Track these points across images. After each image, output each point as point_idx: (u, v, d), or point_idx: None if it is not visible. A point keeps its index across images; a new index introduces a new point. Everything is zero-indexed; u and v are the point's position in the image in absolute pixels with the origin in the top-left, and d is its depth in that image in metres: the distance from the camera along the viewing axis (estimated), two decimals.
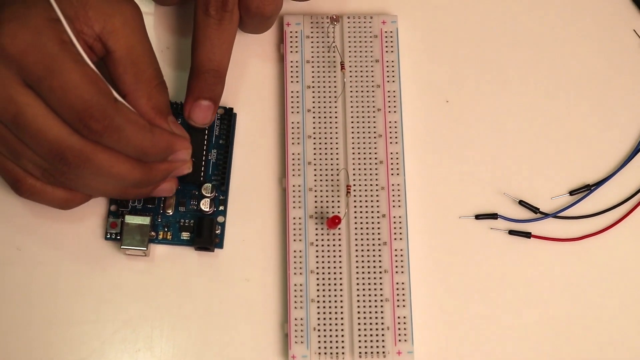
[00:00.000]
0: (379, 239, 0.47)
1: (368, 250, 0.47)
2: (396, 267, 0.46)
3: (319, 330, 0.45)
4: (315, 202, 0.47)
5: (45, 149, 0.40)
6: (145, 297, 0.46)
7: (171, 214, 0.47)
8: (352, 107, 0.49)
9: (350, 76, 0.49)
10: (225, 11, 0.46)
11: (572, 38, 0.52)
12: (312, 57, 0.50)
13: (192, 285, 0.47)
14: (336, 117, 0.49)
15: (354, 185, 0.48)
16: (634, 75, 0.51)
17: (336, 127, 0.49)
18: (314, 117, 0.49)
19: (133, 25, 0.43)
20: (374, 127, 0.49)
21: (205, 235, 0.46)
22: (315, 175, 0.48)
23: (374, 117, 0.49)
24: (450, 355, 0.47)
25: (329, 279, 0.46)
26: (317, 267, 0.46)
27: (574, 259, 0.48)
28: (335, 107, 0.49)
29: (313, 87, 0.49)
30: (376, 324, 0.45)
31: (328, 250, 0.47)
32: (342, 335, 0.45)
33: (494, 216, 0.48)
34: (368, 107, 0.49)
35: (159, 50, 0.49)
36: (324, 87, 0.49)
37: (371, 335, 0.45)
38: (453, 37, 0.52)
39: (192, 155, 0.46)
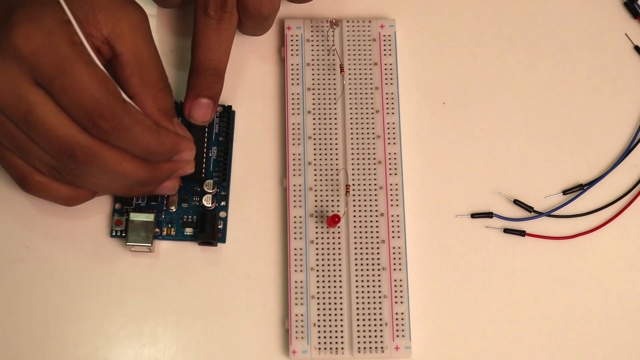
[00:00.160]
0: (377, 237, 0.47)
1: (367, 248, 0.47)
2: (394, 264, 0.46)
3: (318, 325, 0.45)
4: (316, 201, 0.47)
5: (54, 147, 0.40)
6: (150, 293, 0.46)
7: (174, 210, 0.47)
8: (351, 108, 0.49)
9: (350, 79, 0.49)
10: (225, 12, 0.46)
11: (565, 42, 0.52)
12: (313, 60, 0.50)
13: (196, 281, 0.47)
14: (336, 119, 0.49)
15: (353, 184, 0.48)
16: (625, 78, 0.52)
17: (336, 128, 0.49)
18: (314, 119, 0.49)
19: (140, 30, 0.43)
20: (373, 128, 0.49)
21: (208, 230, 0.46)
22: (315, 175, 0.48)
23: (372, 118, 0.49)
24: (447, 350, 0.46)
25: (329, 276, 0.46)
26: (317, 265, 0.46)
27: (567, 257, 0.48)
28: (335, 108, 0.49)
29: (313, 89, 0.49)
30: (374, 319, 0.45)
31: (328, 248, 0.47)
32: (342, 331, 0.45)
33: (489, 215, 0.48)
34: (367, 108, 0.49)
35: (163, 54, 0.49)
36: (324, 89, 0.49)
37: (370, 330, 0.45)
38: (450, 41, 0.52)
39: None
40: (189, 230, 0.47)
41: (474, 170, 0.49)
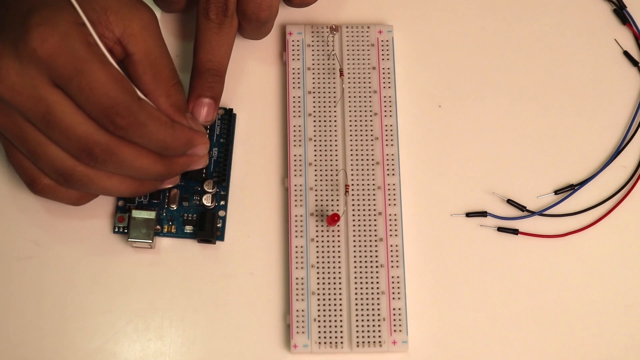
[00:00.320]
0: (375, 236, 0.47)
1: (365, 246, 0.47)
2: (392, 261, 0.46)
3: (319, 321, 0.45)
4: (316, 200, 0.47)
5: (73, 144, 0.41)
6: (153, 288, 0.46)
7: (175, 208, 0.47)
8: (350, 111, 0.49)
9: (349, 82, 0.50)
10: (225, 16, 0.46)
11: (557, 47, 0.52)
12: (313, 64, 0.50)
13: (198, 277, 0.47)
14: (335, 121, 0.49)
15: (352, 184, 0.48)
16: (615, 82, 0.52)
17: (335, 130, 0.49)
18: (314, 121, 0.49)
19: (151, 29, 0.43)
20: (371, 130, 0.49)
21: (207, 228, 0.46)
22: (315, 175, 0.48)
23: (370, 120, 0.49)
24: (443, 344, 0.46)
25: (329, 273, 0.46)
26: (318, 262, 0.46)
27: (559, 254, 0.48)
28: (335, 111, 0.49)
29: (314, 92, 0.49)
30: (373, 315, 0.46)
31: (328, 246, 0.47)
32: (341, 326, 0.45)
33: (483, 214, 0.48)
34: (365, 111, 0.49)
35: None
36: (324, 92, 0.49)
37: (368, 325, 0.45)
38: (445, 46, 0.52)
39: None
40: (188, 228, 0.47)
41: (469, 171, 0.49)
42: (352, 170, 0.48)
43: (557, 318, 0.47)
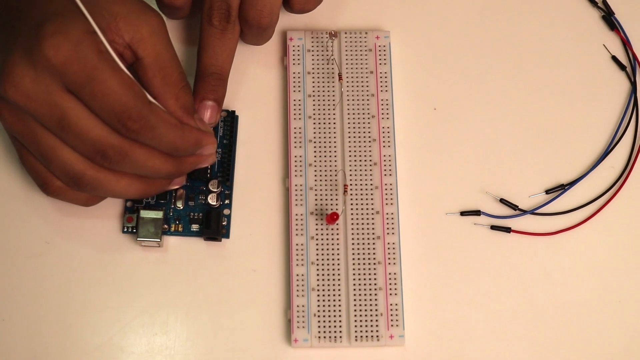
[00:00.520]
0: (373, 234, 0.47)
1: (363, 243, 0.47)
2: (389, 259, 0.47)
3: (318, 316, 0.46)
4: (316, 200, 0.48)
5: (88, 147, 0.41)
6: (161, 285, 0.47)
7: (181, 208, 0.48)
8: (349, 114, 0.49)
9: (347, 86, 0.50)
10: (228, 22, 0.47)
11: (548, 52, 0.52)
12: (313, 68, 0.50)
13: (203, 274, 0.47)
14: (334, 123, 0.49)
15: (351, 184, 0.48)
16: (603, 85, 0.52)
17: (334, 132, 0.49)
18: (314, 123, 0.49)
19: (159, 34, 0.43)
20: (369, 132, 0.49)
21: (213, 226, 0.47)
22: (315, 175, 0.48)
23: (368, 123, 0.49)
24: (438, 338, 0.47)
25: (328, 269, 0.46)
26: (317, 259, 0.47)
27: (550, 251, 0.48)
28: (334, 114, 0.49)
29: (313, 95, 0.50)
30: (370, 310, 0.46)
31: (327, 244, 0.47)
32: (340, 321, 0.46)
33: (477, 213, 0.49)
34: (363, 114, 0.49)
35: None
36: (324, 96, 0.50)
37: (366, 320, 0.46)
38: (441, 50, 0.52)
39: None
40: (195, 227, 0.48)
41: (463, 171, 0.50)
42: (350, 170, 0.48)
43: (548, 312, 0.47)
